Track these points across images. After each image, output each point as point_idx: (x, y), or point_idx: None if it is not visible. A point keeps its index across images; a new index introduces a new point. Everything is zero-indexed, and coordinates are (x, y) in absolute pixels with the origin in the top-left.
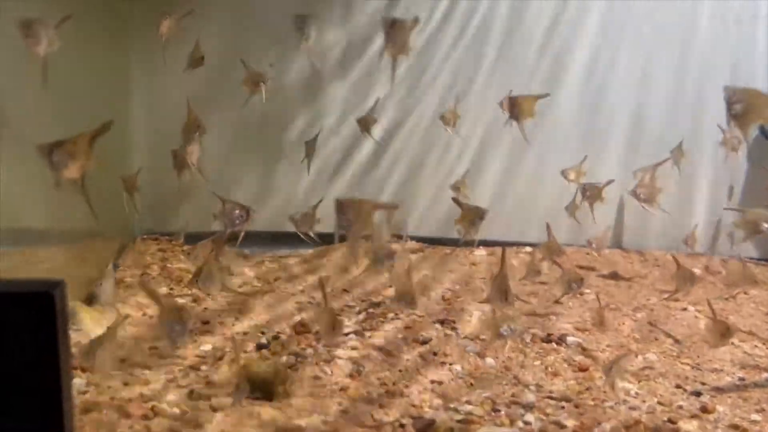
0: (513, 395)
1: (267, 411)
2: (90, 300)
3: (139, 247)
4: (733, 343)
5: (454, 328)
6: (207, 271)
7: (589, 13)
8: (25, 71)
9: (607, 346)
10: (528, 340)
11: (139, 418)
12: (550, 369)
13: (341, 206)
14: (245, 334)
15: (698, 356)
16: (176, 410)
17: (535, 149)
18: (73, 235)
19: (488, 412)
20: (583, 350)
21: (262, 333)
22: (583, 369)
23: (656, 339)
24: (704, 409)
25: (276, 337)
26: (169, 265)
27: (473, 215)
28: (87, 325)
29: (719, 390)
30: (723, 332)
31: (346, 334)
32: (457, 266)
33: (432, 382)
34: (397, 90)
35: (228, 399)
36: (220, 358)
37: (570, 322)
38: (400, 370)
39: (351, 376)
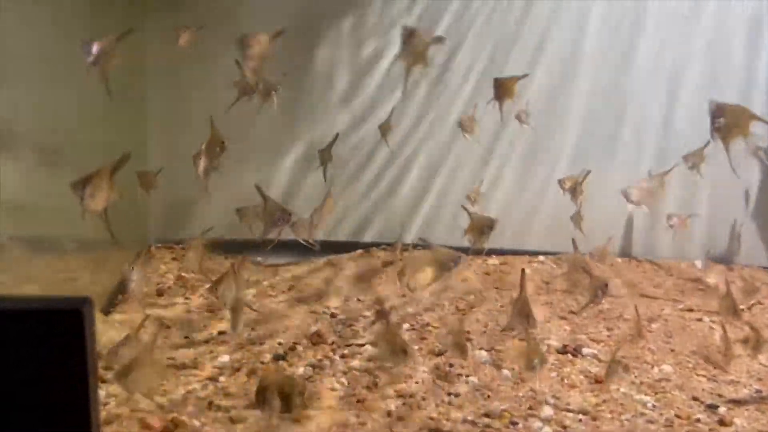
0: (530, 408)
1: (286, 424)
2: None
3: (153, 255)
4: (749, 355)
5: (468, 339)
6: (226, 283)
7: (606, 18)
8: (44, 83)
9: (623, 357)
10: (543, 351)
11: (160, 431)
12: (566, 381)
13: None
14: (261, 344)
15: (714, 368)
16: (196, 422)
17: (548, 158)
18: (88, 244)
19: (506, 425)
20: (599, 362)
21: (279, 344)
22: (599, 381)
23: (672, 350)
24: (722, 422)
25: (292, 348)
26: (183, 274)
27: (482, 224)
28: (104, 335)
29: (736, 402)
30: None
31: (361, 345)
32: (470, 275)
33: (449, 394)
34: (408, 97)
35: (246, 411)
36: (238, 370)
37: (585, 333)
38: (416, 382)
39: (368, 387)
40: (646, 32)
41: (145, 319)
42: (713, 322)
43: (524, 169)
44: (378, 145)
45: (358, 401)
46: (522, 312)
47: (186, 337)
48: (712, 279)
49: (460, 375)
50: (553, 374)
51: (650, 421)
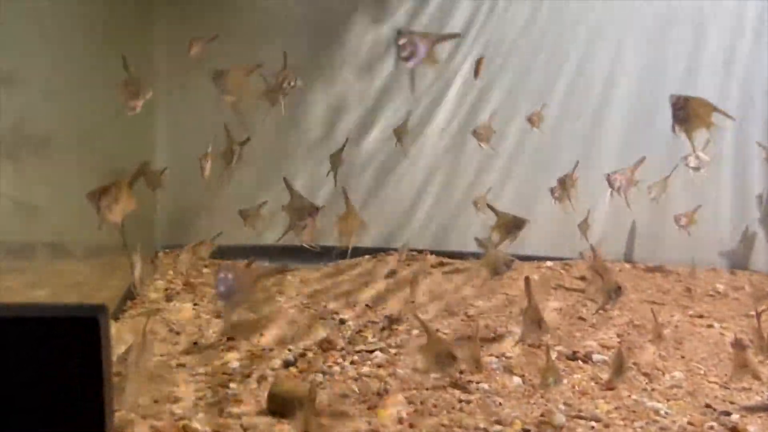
0: (542, 415)
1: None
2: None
3: (161, 261)
4: (761, 362)
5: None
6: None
7: (622, 24)
8: (55, 89)
9: (634, 363)
10: (553, 357)
11: None
12: (577, 387)
13: None
14: (271, 350)
15: (726, 374)
16: (208, 429)
17: (557, 164)
18: (97, 249)
19: None
20: (610, 368)
21: (289, 350)
22: (610, 388)
23: (683, 357)
24: (735, 429)
25: (303, 354)
26: (192, 280)
27: (510, 223)
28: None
29: (749, 409)
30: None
31: (371, 351)
32: (480, 281)
33: (460, 401)
34: (420, 102)
35: (258, 418)
36: (248, 376)
37: (595, 339)
38: (427, 389)
39: (378, 394)
40: (659, 40)
41: (146, 326)
42: (724, 328)
43: (532, 176)
44: (384, 150)
45: (369, 408)
46: (534, 319)
47: (195, 343)
48: (720, 286)
49: (470, 381)
50: (564, 381)
51: (663, 429)
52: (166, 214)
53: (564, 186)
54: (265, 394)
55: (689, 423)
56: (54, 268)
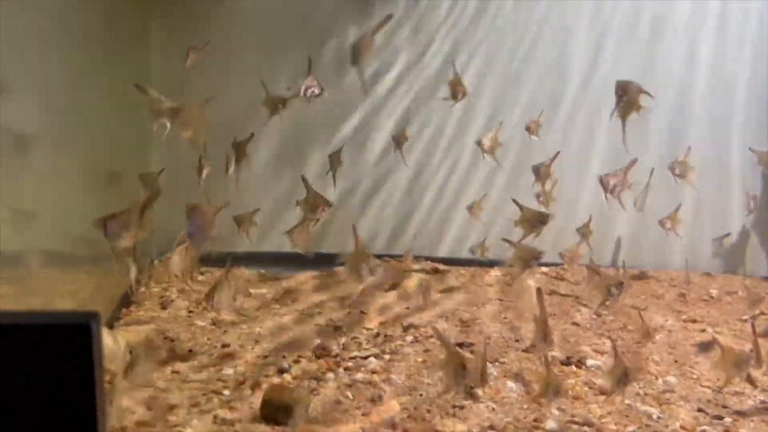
0: (535, 420)
1: None
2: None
3: (157, 269)
4: (753, 366)
5: (472, 352)
6: (219, 290)
7: (617, 29)
8: (49, 94)
9: (627, 369)
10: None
11: None
12: (571, 392)
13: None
14: (266, 357)
15: (719, 378)
16: None
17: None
18: (92, 258)
19: None
20: (604, 373)
21: (284, 357)
22: (604, 393)
23: (675, 361)
24: None
25: (297, 361)
26: (187, 287)
27: (534, 218)
28: (108, 348)
29: (741, 414)
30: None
31: (365, 358)
32: (474, 287)
33: (453, 407)
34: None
35: (252, 425)
36: (242, 383)
37: (589, 345)
38: (421, 395)
39: (372, 401)
40: (652, 44)
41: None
42: (717, 332)
43: (523, 181)
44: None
45: (363, 414)
46: (543, 332)
47: (190, 351)
48: (714, 291)
49: (459, 388)
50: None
51: None
52: (162, 221)
53: (539, 174)
54: (259, 401)
55: (681, 427)
56: (49, 275)
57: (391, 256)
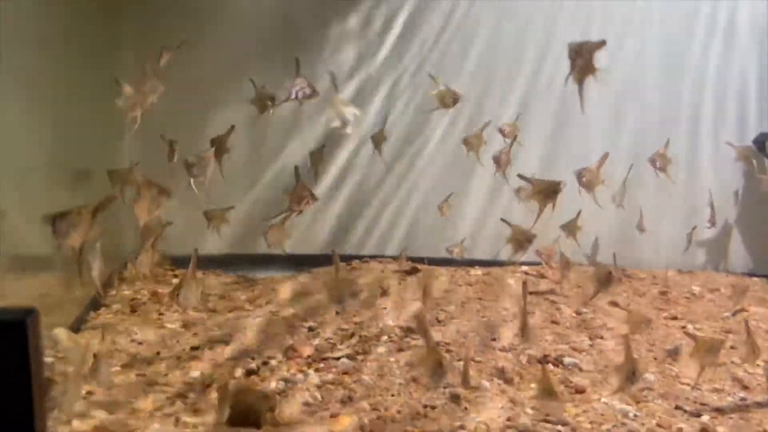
0: (509, 419)
1: None
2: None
3: (130, 271)
4: (733, 362)
5: (449, 351)
6: (186, 288)
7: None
8: (19, 100)
9: (605, 366)
10: (524, 361)
11: None
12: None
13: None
14: (235, 359)
15: (694, 370)
16: None
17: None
18: (61, 260)
19: None
20: (581, 371)
21: (252, 358)
22: (579, 391)
23: (655, 359)
24: (705, 431)
25: (265, 363)
26: (159, 290)
27: (547, 189)
28: (71, 351)
29: (720, 411)
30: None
31: (337, 358)
32: (454, 287)
33: (425, 406)
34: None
35: (215, 428)
36: (208, 386)
37: (567, 343)
38: (392, 395)
39: (342, 402)
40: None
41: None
42: (697, 329)
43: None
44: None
45: (331, 416)
46: (524, 324)
47: (158, 353)
48: (696, 288)
49: (437, 387)
50: (533, 385)
51: (631, 431)
52: (135, 222)
53: (499, 163)
54: (224, 404)
55: (658, 425)
56: (16, 277)
57: (372, 257)
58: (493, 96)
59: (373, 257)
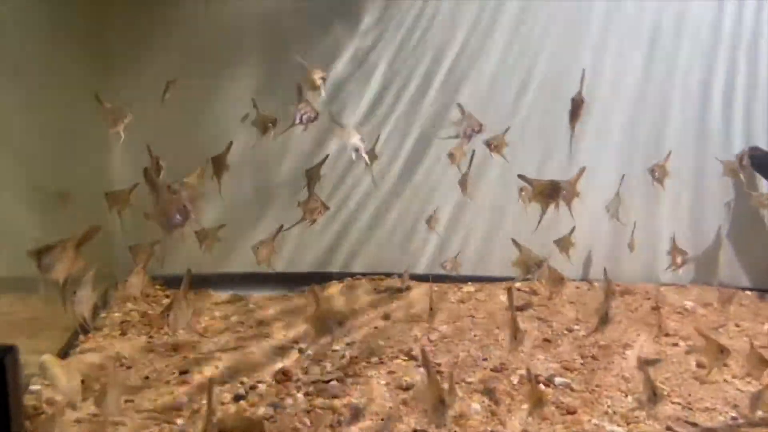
0: None
1: None
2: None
3: (120, 293)
4: (725, 380)
5: (439, 372)
6: (176, 309)
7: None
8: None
9: (596, 386)
10: (515, 382)
11: None
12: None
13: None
14: (224, 383)
15: (689, 394)
16: None
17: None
18: (48, 285)
19: None
20: (572, 391)
21: (241, 383)
22: (571, 412)
23: None
24: None
25: (254, 387)
26: (150, 312)
27: (548, 189)
28: (59, 379)
29: (711, 431)
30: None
31: (327, 382)
32: (446, 305)
33: (415, 430)
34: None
35: None
36: (197, 411)
37: (558, 362)
38: (382, 419)
39: (331, 427)
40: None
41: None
42: (689, 346)
43: (501, 196)
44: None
45: None
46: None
47: (146, 377)
48: (689, 303)
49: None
50: (525, 406)
51: None
52: (126, 242)
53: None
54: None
55: None
56: (4, 302)
57: (363, 275)
58: (484, 109)
59: (364, 275)
